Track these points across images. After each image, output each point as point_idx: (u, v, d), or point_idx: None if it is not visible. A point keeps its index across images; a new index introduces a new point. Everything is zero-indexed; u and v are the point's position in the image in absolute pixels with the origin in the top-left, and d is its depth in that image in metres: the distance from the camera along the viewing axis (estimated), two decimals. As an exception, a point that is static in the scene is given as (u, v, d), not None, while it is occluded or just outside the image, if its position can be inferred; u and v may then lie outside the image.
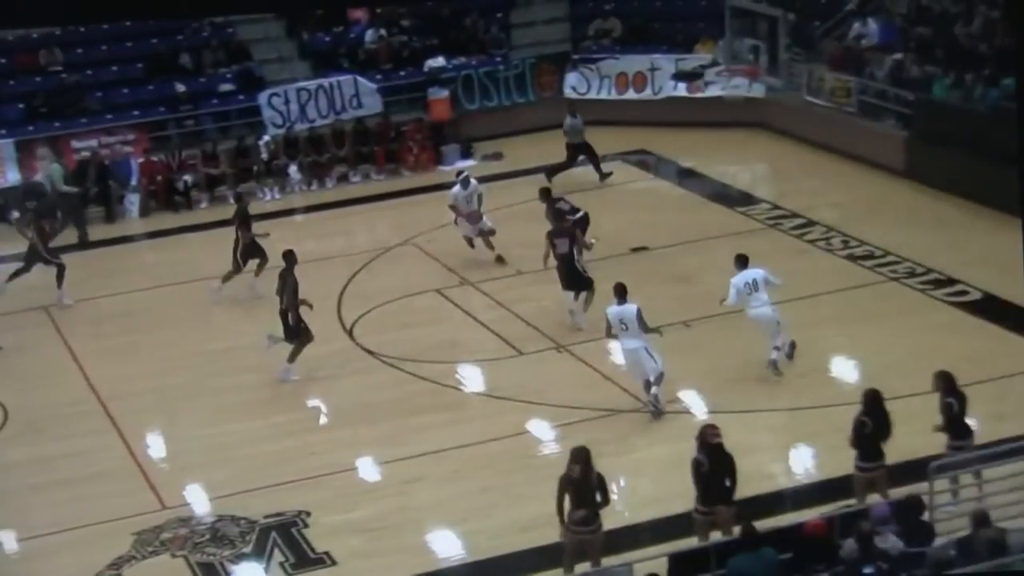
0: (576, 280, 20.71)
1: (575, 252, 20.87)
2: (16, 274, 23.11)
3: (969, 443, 15.18)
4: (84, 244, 26.27)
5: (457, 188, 23.47)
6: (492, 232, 23.28)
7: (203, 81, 30.32)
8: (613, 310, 18.08)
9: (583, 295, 20.71)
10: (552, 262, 20.98)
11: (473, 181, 23.70)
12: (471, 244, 23.44)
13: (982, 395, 16.77)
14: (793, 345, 19.05)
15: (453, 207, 23.47)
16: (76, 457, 18.29)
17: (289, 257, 20.20)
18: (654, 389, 18.00)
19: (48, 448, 18.61)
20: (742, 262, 19.08)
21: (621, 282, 18.32)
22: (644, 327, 17.90)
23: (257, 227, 23.06)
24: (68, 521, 16.77)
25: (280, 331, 19.84)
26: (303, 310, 19.73)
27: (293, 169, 28.67)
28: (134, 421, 19.11)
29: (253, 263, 22.73)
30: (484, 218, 23.40)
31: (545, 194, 23.08)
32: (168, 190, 28.11)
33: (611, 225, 23.21)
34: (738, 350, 19.61)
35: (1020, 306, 20.32)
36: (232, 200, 25.15)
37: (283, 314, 19.82)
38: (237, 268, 22.81)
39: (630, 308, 17.92)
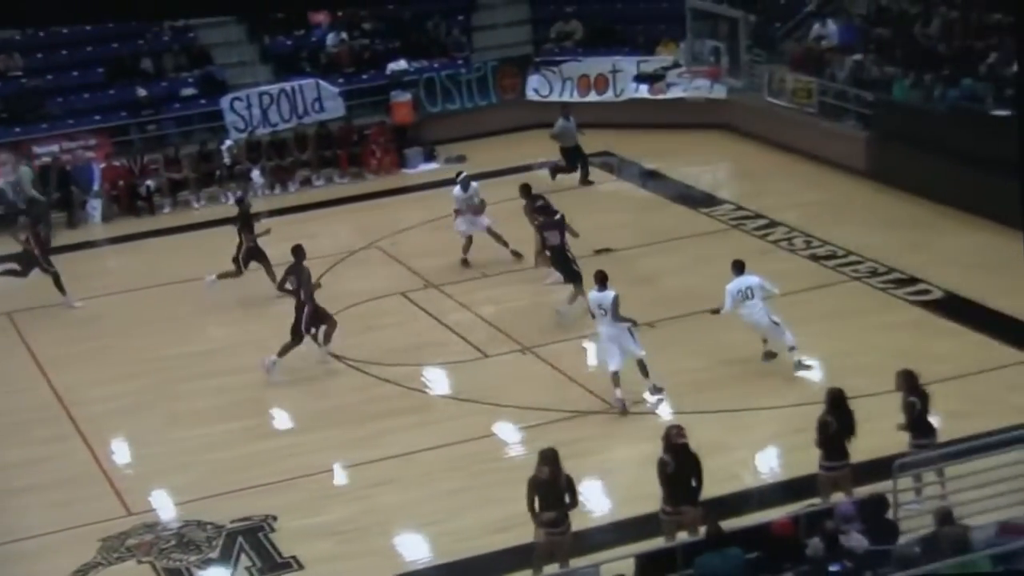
0: (570, 271, 20.89)
1: (566, 243, 21.16)
2: (8, 273, 23.03)
3: (932, 441, 15.28)
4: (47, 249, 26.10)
5: (457, 190, 23.47)
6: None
7: (165, 85, 30.23)
8: (593, 295, 18.57)
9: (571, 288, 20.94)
10: (543, 267, 21.45)
11: (473, 184, 23.69)
12: (469, 242, 23.36)
13: (945, 393, 16.90)
14: (768, 355, 19.14)
15: (457, 210, 23.48)
16: (40, 463, 18.20)
17: (298, 252, 20.29)
18: (620, 393, 18.12)
19: (11, 455, 18.50)
20: (738, 268, 19.14)
21: (602, 270, 18.68)
22: (616, 315, 18.19)
23: (258, 226, 23.12)
24: (33, 528, 16.70)
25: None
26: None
27: (256, 173, 28.62)
28: (98, 427, 19.04)
29: (254, 266, 22.80)
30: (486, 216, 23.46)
31: (526, 191, 23.16)
32: (130, 195, 28.03)
33: (575, 227, 23.19)
34: (703, 351, 19.71)
35: (981, 304, 20.50)
36: (233, 202, 24.73)
37: (300, 308, 19.90)
38: (238, 271, 22.79)
39: (608, 295, 18.35)
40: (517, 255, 23.20)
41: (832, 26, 28.98)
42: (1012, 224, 22.83)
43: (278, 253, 22.92)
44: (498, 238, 23.29)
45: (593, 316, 18.72)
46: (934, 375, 17.00)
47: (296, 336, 19.92)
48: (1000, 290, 20.78)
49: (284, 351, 19.86)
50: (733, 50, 30.01)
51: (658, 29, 32.05)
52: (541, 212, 22.08)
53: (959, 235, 23.22)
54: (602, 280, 18.47)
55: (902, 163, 25.44)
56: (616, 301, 18.25)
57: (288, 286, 20.33)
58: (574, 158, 27.55)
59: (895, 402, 15.43)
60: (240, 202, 24.01)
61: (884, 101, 26.33)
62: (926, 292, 21.19)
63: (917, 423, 15.31)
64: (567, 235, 21.57)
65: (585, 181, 27.47)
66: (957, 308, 20.52)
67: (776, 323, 18.91)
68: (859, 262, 22.42)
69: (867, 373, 18.08)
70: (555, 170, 27.39)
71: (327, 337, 20.11)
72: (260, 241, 22.88)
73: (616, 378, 18.21)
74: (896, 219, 24.30)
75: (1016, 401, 16.58)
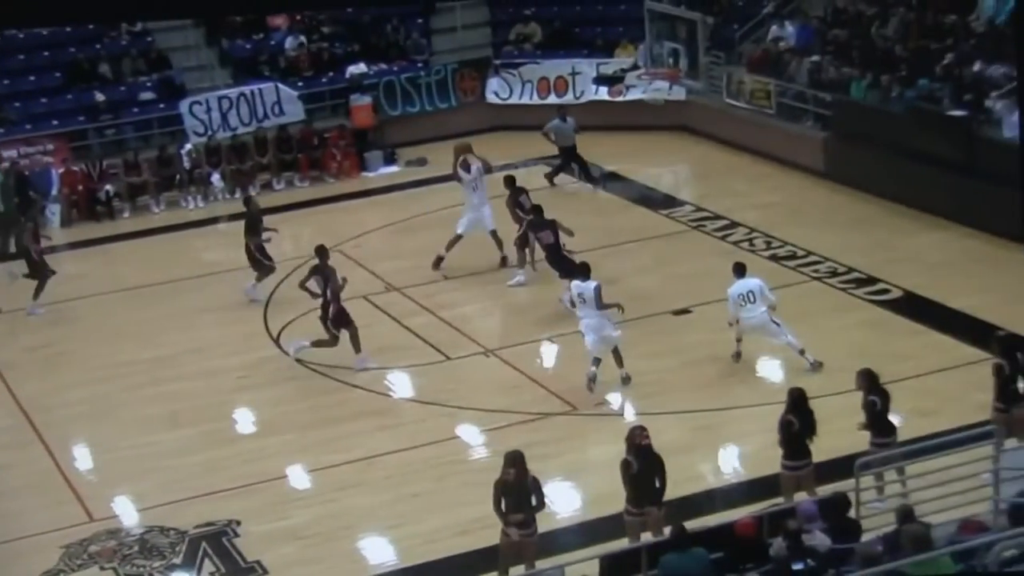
0: (567, 267, 20.92)
1: (559, 241, 21.31)
2: (38, 291, 22.90)
3: (892, 441, 15.39)
4: (4, 256, 25.98)
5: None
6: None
7: (123, 90, 30.09)
8: (576, 284, 19.07)
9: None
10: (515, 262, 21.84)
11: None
12: (456, 241, 23.18)
13: (905, 392, 17.06)
14: (738, 355, 19.23)
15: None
16: (1, 470, 18.09)
17: (322, 252, 20.31)
18: (594, 369, 18.53)
19: (-28, 462, 18.43)
20: (740, 271, 19.20)
21: (585, 262, 19.29)
22: (599, 304, 18.68)
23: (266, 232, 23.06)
24: (-6, 535, 16.63)
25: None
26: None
27: (216, 177, 28.51)
28: (60, 433, 18.94)
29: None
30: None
31: (510, 182, 23.28)
32: (90, 200, 27.87)
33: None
34: (665, 352, 19.80)
35: (940, 303, 20.65)
36: (242, 204, 24.55)
37: (325, 307, 19.93)
38: (268, 269, 22.65)
39: (590, 285, 18.82)
40: (504, 262, 23.15)
41: (789, 28, 29.15)
42: (969, 223, 23.11)
43: (234, 258, 22.95)
44: (499, 244, 23.19)
45: (573, 305, 19.07)
46: (895, 374, 17.15)
47: (336, 328, 19.94)
48: (959, 289, 20.96)
49: (318, 345, 19.98)
50: (692, 52, 30.16)
51: (617, 31, 32.16)
52: (534, 212, 22.04)
53: (917, 235, 23.38)
54: (586, 271, 18.96)
55: (860, 163, 25.59)
56: (599, 291, 18.70)
57: (313, 287, 20.22)
58: (570, 159, 27.44)
59: (856, 401, 15.53)
60: (248, 202, 23.73)
61: (842, 102, 26.49)
62: (885, 292, 21.32)
63: (877, 422, 15.42)
64: (561, 233, 21.60)
65: (590, 180, 27.32)
66: (916, 307, 20.66)
67: (777, 324, 18.94)
68: (819, 262, 22.54)
69: (828, 372, 18.24)
70: (552, 174, 27.28)
71: (355, 344, 19.95)
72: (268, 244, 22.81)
73: (596, 363, 18.50)
74: (855, 219, 24.45)
75: (976, 399, 16.68)
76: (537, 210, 22.08)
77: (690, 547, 12.95)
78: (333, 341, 19.95)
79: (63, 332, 22.40)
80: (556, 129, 27.43)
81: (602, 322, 18.73)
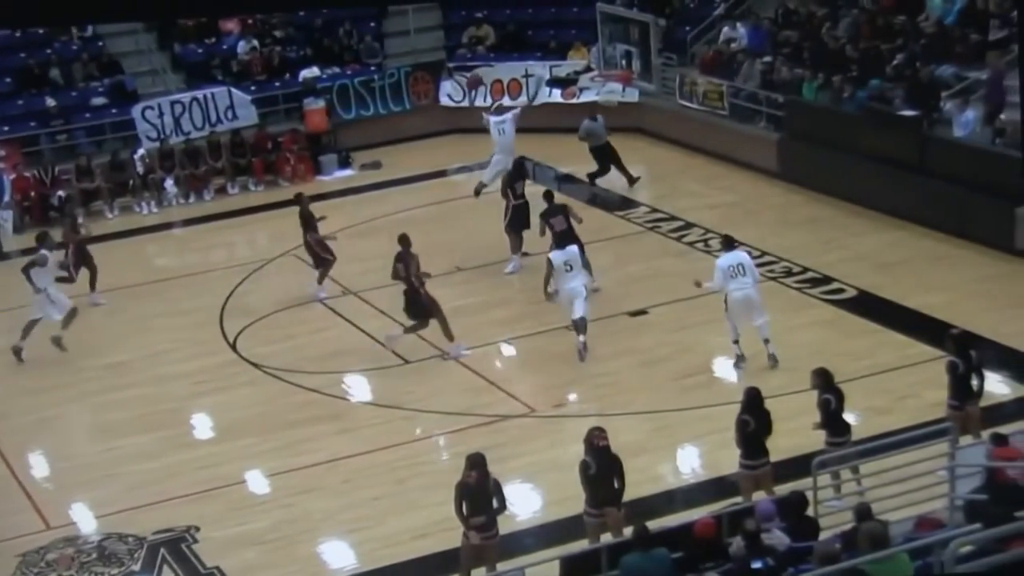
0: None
1: (572, 227, 21.32)
2: (93, 282, 23.16)
3: (847, 440, 15.47)
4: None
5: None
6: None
7: (74, 95, 29.92)
8: (556, 255, 19.81)
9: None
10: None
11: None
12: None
13: (861, 391, 17.20)
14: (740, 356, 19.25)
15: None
16: (-44, 479, 18.00)
17: (404, 240, 20.38)
18: (581, 338, 19.40)
19: (-73, 471, 18.27)
20: (728, 244, 19.27)
21: (563, 229, 20.27)
22: (586, 263, 19.99)
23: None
24: (-49, 545, 16.49)
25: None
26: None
27: (169, 183, 28.39)
28: (15, 440, 18.83)
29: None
30: None
31: (518, 166, 23.83)
32: (42, 206, 27.69)
33: (492, 232, 23.29)
34: (623, 353, 19.86)
35: (893, 302, 20.81)
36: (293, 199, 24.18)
37: (408, 293, 20.13)
38: (328, 261, 22.54)
39: (572, 249, 19.83)
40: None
41: (741, 29, 29.30)
42: (922, 222, 23.30)
43: (189, 263, 22.83)
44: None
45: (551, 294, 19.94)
46: (850, 373, 17.29)
47: (422, 316, 20.13)
48: (912, 288, 21.13)
49: (409, 331, 20.17)
50: (644, 54, 30.25)
51: (570, 34, 32.25)
52: (545, 197, 21.97)
53: (871, 234, 23.53)
54: (561, 240, 20.45)
55: (813, 164, 25.75)
56: (582, 251, 20.18)
57: (401, 271, 20.27)
58: (606, 158, 27.17)
59: (813, 400, 15.62)
60: (299, 199, 23.24)
61: (794, 102, 26.64)
62: (840, 291, 21.45)
63: (832, 421, 15.50)
64: (577, 220, 21.71)
65: (628, 177, 27.15)
66: (871, 306, 20.80)
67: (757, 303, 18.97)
68: (774, 262, 22.65)
69: (784, 372, 18.34)
70: (593, 176, 27.19)
71: (447, 333, 20.07)
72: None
73: (583, 324, 19.44)
74: (809, 219, 24.60)
75: (931, 397, 16.82)
76: (548, 196, 22.08)
77: (651, 547, 13.00)
78: (422, 325, 20.14)
79: (16, 338, 22.21)
80: (589, 130, 27.15)
81: (583, 282, 19.71)
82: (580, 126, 27.35)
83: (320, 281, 22.58)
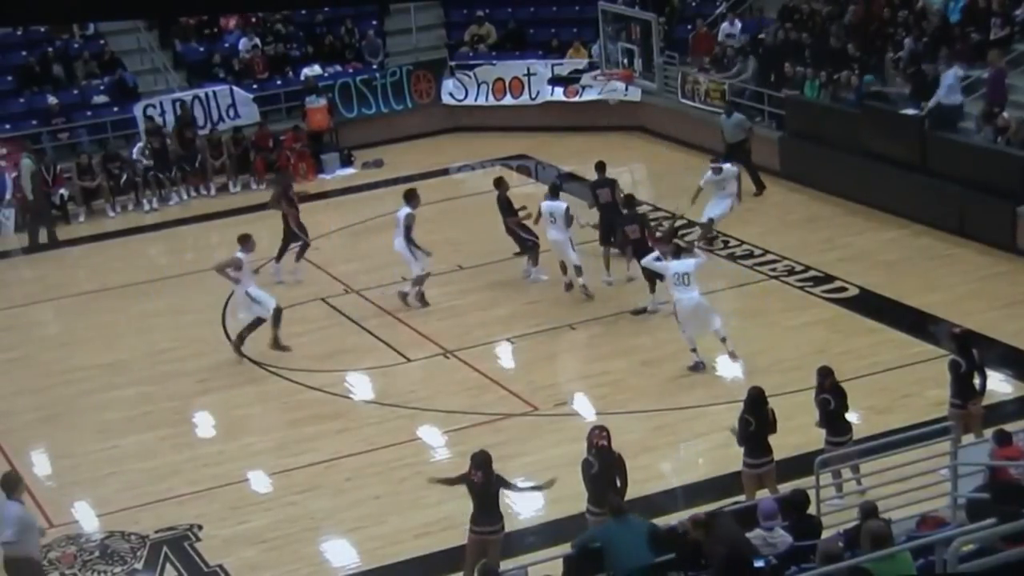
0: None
1: (646, 236, 21.19)
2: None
3: (847, 439, 15.46)
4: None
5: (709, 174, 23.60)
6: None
7: (76, 93, 29.91)
8: (545, 204, 21.36)
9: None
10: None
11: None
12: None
13: (862, 389, 17.20)
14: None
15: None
16: (-42, 477, 17.96)
17: (500, 183, 22.52)
18: (581, 279, 21.21)
19: (-71, 469, 18.25)
20: (676, 252, 19.51)
21: (556, 182, 21.56)
22: (568, 221, 21.14)
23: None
24: (-47, 543, 16.46)
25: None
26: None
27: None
28: (17, 438, 18.82)
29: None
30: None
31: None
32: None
33: (494, 230, 23.28)
34: (624, 352, 19.86)
35: (895, 301, 20.81)
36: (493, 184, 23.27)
37: (510, 231, 22.32)
38: (533, 246, 22.38)
39: (559, 204, 21.27)
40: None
41: (739, 24, 29.37)
42: (923, 221, 23.31)
43: (190, 260, 22.80)
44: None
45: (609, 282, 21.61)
46: (852, 372, 17.31)
47: (529, 248, 22.23)
48: (914, 287, 21.14)
49: (534, 260, 22.22)
50: (646, 53, 30.23)
51: (571, 32, 32.24)
52: (626, 203, 21.76)
53: (872, 233, 23.54)
54: (554, 191, 21.62)
55: (815, 162, 25.73)
56: (568, 210, 21.27)
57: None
58: (742, 155, 25.88)
59: (813, 399, 15.63)
60: (499, 184, 22.89)
61: (796, 101, 26.63)
62: (842, 290, 21.46)
63: (832, 420, 15.50)
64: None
65: (759, 188, 26.06)
66: (872, 305, 20.80)
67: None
68: (776, 261, 22.66)
69: (787, 370, 18.34)
70: (753, 178, 26.01)
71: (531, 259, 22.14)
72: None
73: (579, 271, 21.16)
74: (811, 217, 24.61)
75: (932, 396, 16.84)
76: (629, 201, 21.91)
77: (626, 516, 13.03)
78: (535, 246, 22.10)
79: (18, 337, 22.27)
80: (726, 126, 26.30)
81: (570, 236, 21.22)
82: (721, 122, 26.54)
83: (531, 263, 22.44)
